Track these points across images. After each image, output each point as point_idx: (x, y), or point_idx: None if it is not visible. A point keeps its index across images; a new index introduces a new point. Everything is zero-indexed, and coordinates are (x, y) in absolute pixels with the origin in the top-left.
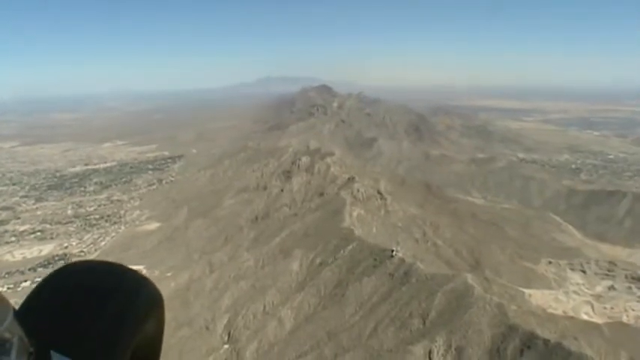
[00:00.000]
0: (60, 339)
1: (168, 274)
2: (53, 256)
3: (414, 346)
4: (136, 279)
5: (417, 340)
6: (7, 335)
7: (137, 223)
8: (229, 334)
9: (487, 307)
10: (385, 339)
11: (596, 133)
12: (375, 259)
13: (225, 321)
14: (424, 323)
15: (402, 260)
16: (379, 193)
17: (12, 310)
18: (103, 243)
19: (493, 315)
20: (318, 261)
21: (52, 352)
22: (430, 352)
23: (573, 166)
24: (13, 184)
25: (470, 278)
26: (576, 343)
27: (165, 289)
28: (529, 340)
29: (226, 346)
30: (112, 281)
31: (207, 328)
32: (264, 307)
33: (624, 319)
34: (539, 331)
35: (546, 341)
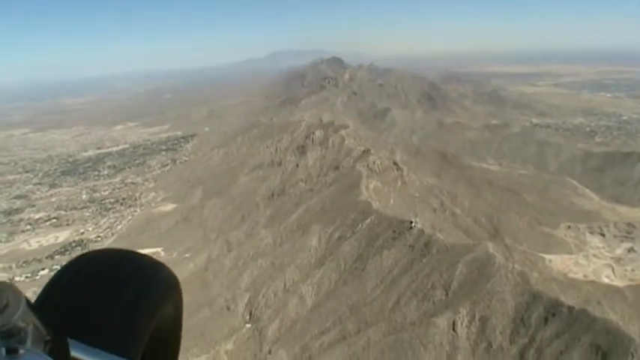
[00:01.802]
0: (76, 326)
1: (187, 255)
2: (70, 243)
3: (438, 318)
4: (150, 264)
5: (441, 311)
6: (21, 324)
7: (152, 205)
8: (251, 314)
9: (509, 275)
10: (408, 312)
11: (608, 95)
12: (394, 232)
13: (245, 300)
14: (447, 294)
15: (422, 231)
16: (395, 164)
17: (24, 300)
18: (119, 227)
19: (516, 283)
20: (336, 236)
21: (69, 339)
22: (454, 324)
23: (587, 128)
24: (26, 172)
25: (491, 247)
26: (600, 308)
27: (184, 270)
28: (553, 308)
29: (248, 326)
30: (127, 268)
31: (228, 308)
32: (285, 284)
33: None
34: (562, 298)
35: (570, 308)
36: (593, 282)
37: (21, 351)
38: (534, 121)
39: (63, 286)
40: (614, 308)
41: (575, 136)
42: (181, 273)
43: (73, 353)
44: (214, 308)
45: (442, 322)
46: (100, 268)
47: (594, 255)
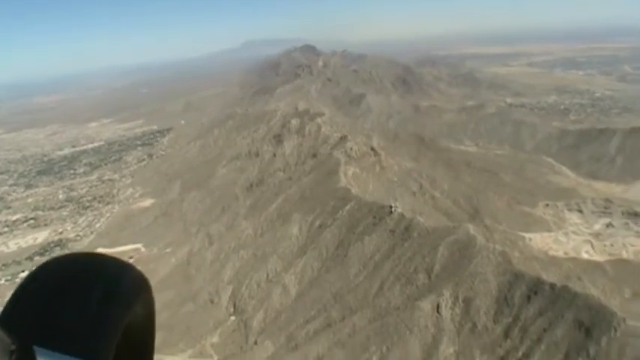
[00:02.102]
0: (43, 334)
1: (167, 250)
2: (49, 243)
3: (422, 301)
4: (117, 266)
5: (424, 295)
6: None
7: (131, 201)
8: (235, 306)
9: (491, 256)
10: (392, 297)
11: (581, 72)
12: (375, 217)
13: (229, 292)
14: (429, 278)
15: (402, 216)
16: (372, 149)
17: None
18: (98, 225)
19: (497, 263)
20: (317, 223)
21: (34, 347)
22: (438, 306)
23: (562, 107)
24: (1, 173)
25: (472, 229)
26: (581, 283)
27: (166, 265)
28: (535, 286)
29: (233, 318)
30: (93, 271)
31: (211, 301)
32: (267, 275)
33: (624, 255)
34: (544, 276)
35: (552, 285)
36: (573, 258)
37: None
38: (509, 101)
39: (29, 294)
40: (595, 283)
41: (550, 114)
42: (163, 268)
43: None
44: (198, 302)
45: (426, 305)
46: (66, 274)
47: (573, 232)
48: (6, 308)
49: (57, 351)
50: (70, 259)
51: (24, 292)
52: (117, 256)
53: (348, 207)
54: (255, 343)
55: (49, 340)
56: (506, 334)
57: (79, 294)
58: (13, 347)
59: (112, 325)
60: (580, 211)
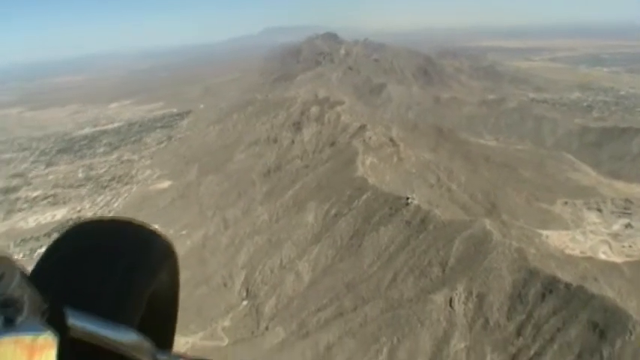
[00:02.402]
0: (73, 295)
1: (183, 232)
2: (67, 221)
3: (435, 294)
4: (146, 232)
5: (438, 288)
6: (17, 294)
7: (149, 182)
8: (247, 290)
9: (506, 252)
10: (405, 288)
11: (605, 69)
12: (391, 208)
13: (242, 277)
14: (444, 271)
15: (418, 207)
16: (391, 140)
17: (19, 270)
18: (115, 204)
19: (513, 260)
20: (332, 212)
21: (65, 307)
22: (451, 300)
23: (585, 103)
24: (23, 150)
25: (488, 224)
26: (597, 284)
27: (181, 247)
28: (550, 284)
29: (245, 303)
30: (122, 235)
31: (224, 285)
32: (281, 261)
33: None
34: (559, 274)
35: (568, 285)
36: (590, 258)
37: (18, 320)
38: (531, 96)
39: (59, 255)
40: (612, 285)
41: (572, 111)
42: (178, 250)
43: (70, 321)
44: (211, 285)
45: (439, 298)
46: (95, 236)
47: (591, 231)
48: (36, 268)
49: (85, 312)
50: (100, 223)
51: (54, 254)
52: None
53: (364, 197)
54: (267, 328)
55: (78, 301)
56: (519, 332)
57: (108, 258)
58: (44, 307)
59: (139, 289)
60: (599, 210)
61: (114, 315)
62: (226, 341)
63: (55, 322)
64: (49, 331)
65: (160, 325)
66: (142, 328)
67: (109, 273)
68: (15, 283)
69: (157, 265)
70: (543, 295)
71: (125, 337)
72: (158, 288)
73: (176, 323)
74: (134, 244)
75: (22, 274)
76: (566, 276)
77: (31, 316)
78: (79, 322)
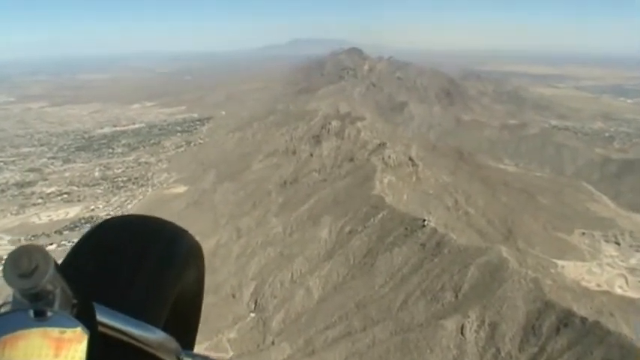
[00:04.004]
0: (102, 290)
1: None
2: (80, 219)
3: (446, 320)
4: (174, 230)
5: (449, 314)
6: (49, 287)
7: (164, 186)
8: (256, 303)
9: (522, 281)
10: (416, 312)
11: (629, 100)
12: (406, 229)
13: (251, 289)
14: (456, 297)
15: (434, 230)
16: (410, 159)
17: (53, 263)
18: (129, 206)
19: (528, 290)
20: (347, 229)
21: (94, 303)
22: (463, 328)
23: (606, 134)
24: (41, 145)
25: (504, 251)
26: (613, 320)
27: None
28: (566, 318)
29: (252, 315)
30: (151, 233)
31: (233, 295)
32: (292, 275)
33: None
34: (575, 308)
35: (583, 319)
36: (606, 292)
37: (49, 313)
38: (553, 123)
39: (88, 251)
40: (628, 321)
41: (594, 140)
42: None
43: (99, 317)
44: (220, 295)
45: (450, 324)
46: (124, 233)
47: (608, 264)
48: (65, 262)
49: (113, 308)
50: (129, 220)
51: (83, 248)
52: None
53: (380, 215)
54: (273, 343)
55: (106, 297)
56: None
57: (136, 255)
58: (75, 301)
59: (166, 287)
60: (617, 243)
61: (141, 313)
62: (231, 354)
63: (84, 317)
64: (80, 326)
65: (184, 325)
66: (166, 327)
67: (137, 270)
68: (48, 275)
69: (185, 264)
70: (558, 329)
71: (152, 335)
72: (184, 287)
73: (199, 323)
74: (162, 242)
75: (56, 266)
76: (581, 309)
77: (62, 309)
78: (107, 319)
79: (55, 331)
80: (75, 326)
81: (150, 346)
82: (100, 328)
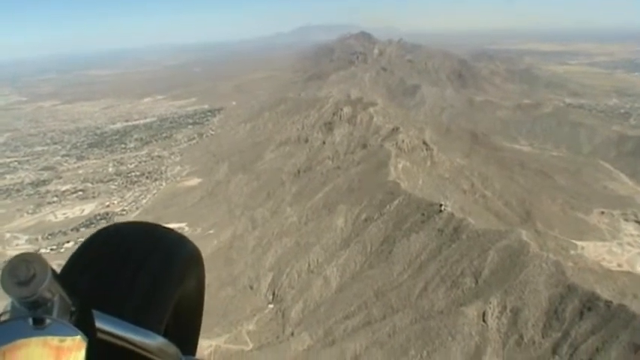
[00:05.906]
0: (101, 298)
1: (211, 232)
2: (95, 216)
3: (467, 307)
4: (173, 237)
5: (470, 300)
6: (47, 295)
7: (178, 179)
8: (274, 294)
9: (544, 265)
10: (436, 299)
11: None
12: (423, 214)
13: (269, 280)
14: (477, 283)
15: (452, 215)
16: (424, 143)
17: (51, 271)
18: (144, 201)
19: (550, 274)
20: (363, 216)
21: (93, 310)
22: (484, 314)
23: (622, 110)
24: (54, 143)
25: (524, 234)
26: (637, 302)
27: (208, 246)
28: (589, 301)
29: (271, 306)
30: (151, 240)
31: (251, 287)
32: (309, 265)
33: None
34: (597, 289)
35: (608, 302)
36: (628, 273)
37: (47, 321)
38: (567, 101)
39: (87, 258)
40: None
41: (610, 117)
42: (205, 249)
43: (98, 324)
44: (237, 287)
45: (471, 311)
46: (124, 240)
47: (628, 243)
48: (64, 269)
49: (112, 315)
50: (129, 227)
51: (82, 256)
52: None
53: (396, 202)
54: (292, 334)
55: (105, 304)
56: (555, 351)
57: (136, 263)
58: (73, 308)
59: (166, 295)
60: (637, 222)
61: (140, 319)
62: (250, 345)
63: (83, 325)
64: (79, 334)
65: (184, 330)
66: (167, 333)
67: (137, 277)
68: (46, 283)
69: (184, 272)
70: (581, 313)
71: (152, 341)
72: (184, 294)
73: (200, 329)
74: (161, 249)
75: (54, 274)
76: (604, 292)
77: (60, 317)
78: (106, 326)
79: (54, 340)
80: (74, 334)
81: (150, 352)
82: (100, 335)
